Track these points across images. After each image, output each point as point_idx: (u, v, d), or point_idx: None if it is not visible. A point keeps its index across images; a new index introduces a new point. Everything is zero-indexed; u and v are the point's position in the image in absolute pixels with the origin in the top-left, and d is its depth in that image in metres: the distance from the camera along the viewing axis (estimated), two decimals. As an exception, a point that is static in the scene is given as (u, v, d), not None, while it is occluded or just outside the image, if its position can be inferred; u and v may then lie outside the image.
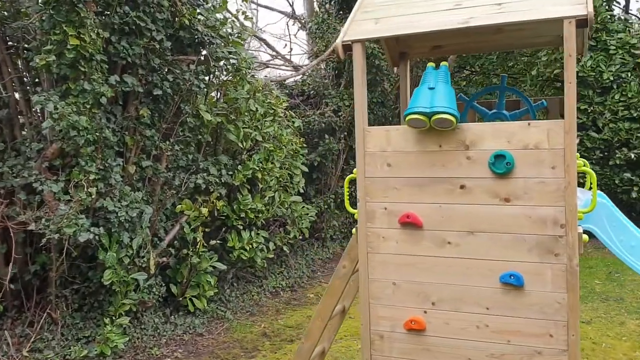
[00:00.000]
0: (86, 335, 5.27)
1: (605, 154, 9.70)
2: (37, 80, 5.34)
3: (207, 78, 6.17)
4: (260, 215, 6.92)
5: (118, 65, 5.08)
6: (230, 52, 6.13)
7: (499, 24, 3.14)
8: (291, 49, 12.63)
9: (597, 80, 9.66)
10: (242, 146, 6.51)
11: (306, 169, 8.15)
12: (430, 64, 3.36)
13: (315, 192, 9.39)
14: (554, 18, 3.02)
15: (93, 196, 4.82)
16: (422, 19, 3.35)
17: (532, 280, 3.10)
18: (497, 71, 11.36)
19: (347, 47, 3.42)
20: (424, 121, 3.16)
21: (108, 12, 4.99)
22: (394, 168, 3.35)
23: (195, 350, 5.69)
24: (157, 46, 5.14)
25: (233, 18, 6.44)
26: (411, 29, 3.26)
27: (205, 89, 6.04)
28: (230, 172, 6.46)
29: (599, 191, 3.81)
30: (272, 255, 7.32)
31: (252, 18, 6.58)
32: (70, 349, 5.06)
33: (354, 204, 3.61)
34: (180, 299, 6.23)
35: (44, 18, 4.61)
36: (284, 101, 7.28)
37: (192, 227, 6.11)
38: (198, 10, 5.75)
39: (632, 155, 9.33)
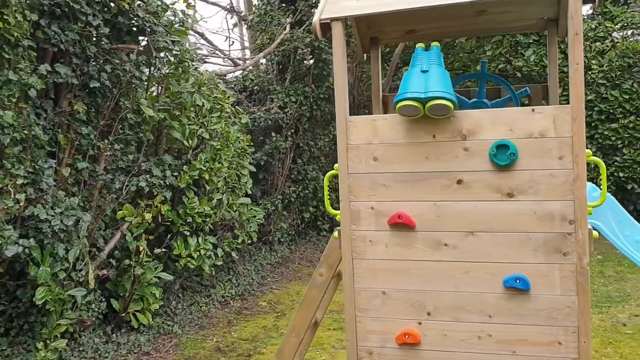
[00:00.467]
0: (15, 363, 4.61)
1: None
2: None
3: (147, 70, 5.59)
4: (207, 219, 6.39)
5: (48, 52, 4.45)
6: (173, 42, 5.57)
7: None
8: (233, 42, 12.05)
9: (540, 74, 9.70)
10: (187, 144, 5.97)
11: (254, 169, 7.69)
12: (420, 45, 3.01)
13: (262, 193, 8.92)
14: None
15: (22, 203, 4.19)
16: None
17: (539, 283, 2.81)
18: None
19: (325, 27, 3.02)
20: (417, 108, 2.80)
21: (35, -8, 4.36)
22: (381, 162, 2.98)
23: (142, 371, 5.12)
24: (94, 32, 4.54)
25: (174, 5, 5.88)
26: (405, 5, 2.88)
27: (146, 82, 5.47)
28: (175, 174, 5.91)
29: (590, 183, 3.59)
30: (221, 262, 6.81)
31: (194, 6, 6.04)
32: (-3, 379, 4.41)
33: (335, 204, 3.20)
34: (123, 314, 5.62)
35: (-43, -3, 3.95)
36: (230, 96, 6.78)
37: (134, 235, 5.52)
38: (138, -6, 5.19)
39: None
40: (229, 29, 12.09)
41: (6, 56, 3.96)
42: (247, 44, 12.15)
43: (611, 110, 9.44)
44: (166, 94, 6.04)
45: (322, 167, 9.88)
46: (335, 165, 3.08)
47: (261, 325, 6.26)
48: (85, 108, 4.79)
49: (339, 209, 3.10)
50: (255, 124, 8.27)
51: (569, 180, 2.73)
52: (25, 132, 4.16)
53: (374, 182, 2.99)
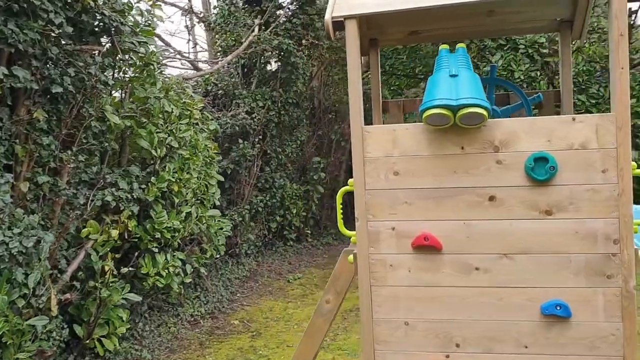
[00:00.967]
0: (-33, 404, 4.07)
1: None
2: None
3: (112, 74, 5.12)
4: (176, 234, 5.93)
5: (4, 53, 3.93)
6: (139, 43, 5.11)
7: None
8: (196, 43, 11.53)
9: (508, 79, 9.62)
10: (156, 154, 5.50)
11: (222, 178, 7.25)
12: (444, 46, 2.71)
13: (228, 203, 8.48)
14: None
15: (-26, 224, 3.67)
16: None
17: (581, 309, 2.54)
18: (407, 72, 11.05)
19: (338, 25, 2.68)
20: (447, 117, 2.49)
21: (-13, -14, 3.84)
22: (403, 177, 2.66)
23: (111, 405, 4.64)
24: (56, 32, 4.05)
25: (139, 4, 5.42)
26: (426, 2, 2.58)
27: (111, 87, 4.99)
28: (143, 186, 5.43)
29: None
30: (190, 280, 6.35)
31: (160, 5, 5.58)
32: None
33: (349, 223, 2.86)
34: (87, 341, 5.10)
35: None
36: (199, 101, 6.34)
37: (100, 254, 5.02)
38: (102, -10, 4.71)
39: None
40: (188, 31, 11.56)
41: (-44, 57, 3.45)
42: (205, 46, 11.66)
43: (578, 115, 9.45)
44: (131, 100, 5.56)
45: (289, 175, 9.52)
46: (350, 180, 2.74)
47: (236, 346, 5.84)
48: (46, 116, 4.28)
49: (354, 229, 2.76)
50: (221, 130, 7.84)
51: (613, 195, 2.48)
52: (-22, 143, 3.65)
53: (395, 199, 2.67)
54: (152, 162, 5.81)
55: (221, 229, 7.19)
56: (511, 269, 2.58)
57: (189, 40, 11.21)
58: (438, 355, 2.66)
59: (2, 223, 3.94)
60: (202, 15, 10.27)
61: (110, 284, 5.12)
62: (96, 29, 4.82)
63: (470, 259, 2.62)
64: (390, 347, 2.71)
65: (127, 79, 5.48)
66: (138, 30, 5.19)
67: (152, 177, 5.57)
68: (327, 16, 2.66)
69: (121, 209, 5.20)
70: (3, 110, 3.99)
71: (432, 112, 2.48)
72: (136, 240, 5.56)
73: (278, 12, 9.02)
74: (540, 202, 2.54)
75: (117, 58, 5.04)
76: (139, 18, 5.31)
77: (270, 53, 8.45)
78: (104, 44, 4.99)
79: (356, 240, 2.72)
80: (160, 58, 5.84)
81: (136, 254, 5.61)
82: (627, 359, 2.51)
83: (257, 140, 8.50)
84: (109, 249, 5.13)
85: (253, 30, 7.85)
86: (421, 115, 2.54)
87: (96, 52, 4.71)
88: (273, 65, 9.36)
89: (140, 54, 5.28)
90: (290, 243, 10.00)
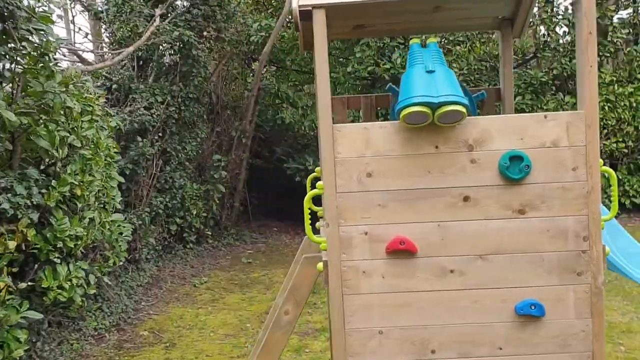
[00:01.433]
0: None
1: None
2: None
3: (3, 65, 4.51)
4: (79, 242, 5.38)
5: None
6: (36, 30, 4.55)
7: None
8: (87, 33, 10.59)
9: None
10: (57, 155, 4.93)
11: (122, 179, 6.72)
12: (415, 41, 2.59)
13: (126, 206, 7.89)
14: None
15: None
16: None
17: (553, 307, 2.55)
18: (309, 67, 10.95)
19: (305, 15, 2.48)
20: (426, 114, 2.38)
21: None
22: (376, 178, 2.51)
23: None
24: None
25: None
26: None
27: (3, 80, 4.40)
28: (43, 190, 4.86)
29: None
30: (94, 290, 5.81)
31: (57, -11, 5.03)
32: None
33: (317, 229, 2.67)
34: (-21, 369, 4.48)
35: None
36: (100, 96, 5.80)
37: (-6, 269, 4.42)
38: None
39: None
40: (73, 21, 10.64)
41: None
42: (90, 37, 10.83)
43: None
44: (24, 94, 4.94)
45: (189, 175, 9.07)
46: (319, 183, 2.55)
47: (151, 360, 5.43)
48: None
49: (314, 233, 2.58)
50: (120, 127, 7.27)
51: (582, 193, 2.50)
52: None
53: (368, 201, 2.52)
54: (49, 163, 5.22)
55: (121, 233, 6.67)
56: (486, 270, 2.53)
57: (79, 29, 10.31)
58: (414, 363, 2.55)
59: None
60: (87, 3, 9.49)
61: (7, 302, 4.53)
62: (-12, 12, 4.22)
63: (445, 262, 2.53)
64: (364, 358, 2.56)
65: (19, 71, 4.86)
66: (36, 15, 4.62)
67: (53, 181, 4.99)
68: (294, 4, 2.45)
69: (19, 217, 4.60)
70: None
71: (412, 110, 2.36)
72: (36, 251, 4.97)
73: (176, 2, 8.54)
74: (513, 201, 2.51)
75: (10, 47, 4.46)
76: (32, 2, 4.74)
77: (170, 45, 7.97)
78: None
79: (326, 246, 2.53)
80: (58, 47, 5.25)
81: (35, 266, 5.01)
82: (595, 355, 2.55)
83: (156, 138, 7.99)
84: (5, 263, 4.52)
85: (155, 21, 7.34)
86: (398, 114, 2.40)
87: (-12, 39, 4.12)
88: (168, 58, 8.86)
89: (35, 44, 4.71)
90: (190, 245, 9.55)
